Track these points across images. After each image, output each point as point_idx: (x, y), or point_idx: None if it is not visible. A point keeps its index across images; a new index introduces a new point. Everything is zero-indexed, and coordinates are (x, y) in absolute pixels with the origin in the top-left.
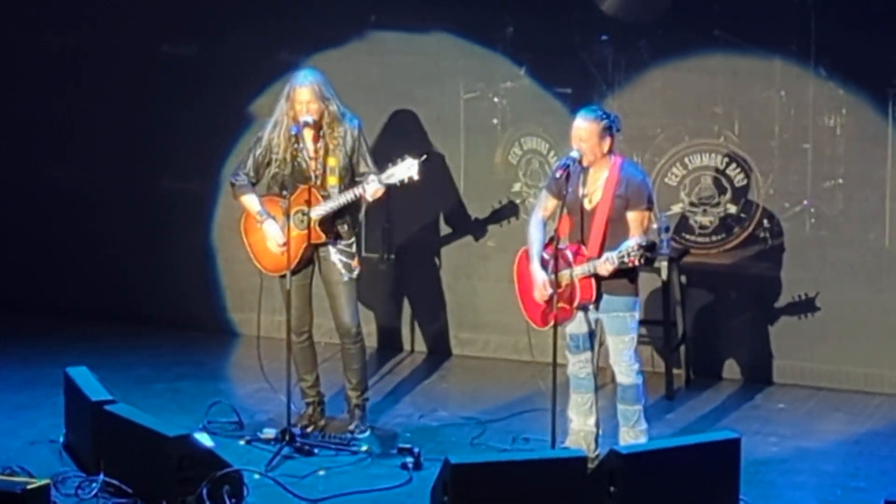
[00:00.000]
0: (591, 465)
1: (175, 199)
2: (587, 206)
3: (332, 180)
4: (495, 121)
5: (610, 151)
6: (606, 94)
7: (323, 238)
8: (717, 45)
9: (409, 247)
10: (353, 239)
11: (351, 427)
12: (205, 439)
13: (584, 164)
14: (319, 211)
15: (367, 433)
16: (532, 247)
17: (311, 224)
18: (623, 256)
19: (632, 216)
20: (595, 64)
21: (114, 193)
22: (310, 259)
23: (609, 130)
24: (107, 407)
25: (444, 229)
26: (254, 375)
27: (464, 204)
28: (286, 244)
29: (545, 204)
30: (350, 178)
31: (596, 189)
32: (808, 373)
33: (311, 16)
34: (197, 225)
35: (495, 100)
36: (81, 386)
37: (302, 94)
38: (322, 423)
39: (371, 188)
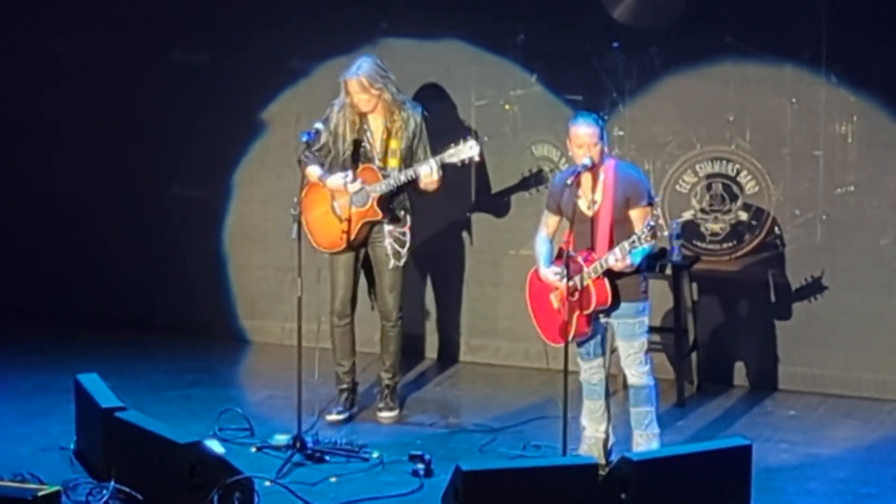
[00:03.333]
0: (602, 473)
1: (187, 206)
2: (589, 212)
3: (394, 162)
4: (506, 128)
5: (602, 154)
6: (617, 102)
7: (380, 216)
8: (729, 53)
9: (420, 253)
10: (407, 227)
11: (380, 405)
12: (216, 446)
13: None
14: (378, 188)
15: (396, 411)
16: (540, 258)
17: (371, 202)
18: (634, 242)
19: (634, 214)
20: (606, 71)
21: (125, 200)
22: (363, 242)
23: (602, 134)
24: (117, 414)
25: (456, 236)
26: (265, 383)
27: (474, 211)
28: (355, 179)
29: (547, 222)
30: (410, 162)
31: (596, 194)
32: (819, 379)
33: (322, 23)
34: (208, 232)
35: (506, 107)
36: (92, 393)
37: (352, 86)
38: (355, 410)
39: (424, 169)
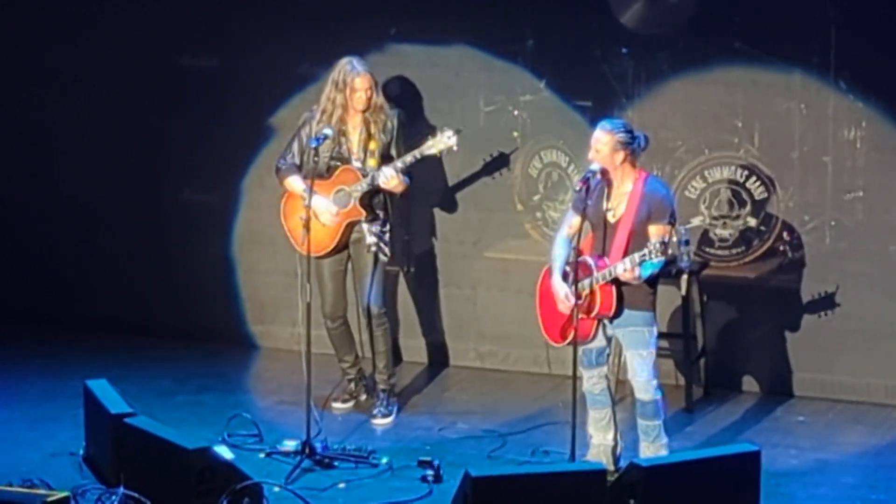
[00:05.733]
0: (610, 479)
1: (195, 212)
2: (611, 219)
3: (372, 162)
4: (515, 133)
5: (633, 166)
6: (626, 107)
7: (363, 215)
8: (738, 58)
9: (428, 259)
10: (388, 227)
11: (374, 411)
12: (225, 452)
13: (600, 175)
14: (359, 188)
15: (391, 417)
16: (555, 262)
17: (353, 202)
18: (644, 256)
19: (653, 230)
20: (615, 76)
21: (134, 205)
22: (346, 244)
23: (624, 145)
24: (127, 419)
25: (464, 241)
26: (274, 388)
27: (482, 216)
28: (339, 213)
29: (570, 222)
30: (386, 163)
31: (620, 203)
32: (827, 385)
33: (331, 29)
34: (217, 237)
35: (515, 112)
36: (101, 398)
37: (362, 82)
38: (363, 398)
39: (388, 172)
